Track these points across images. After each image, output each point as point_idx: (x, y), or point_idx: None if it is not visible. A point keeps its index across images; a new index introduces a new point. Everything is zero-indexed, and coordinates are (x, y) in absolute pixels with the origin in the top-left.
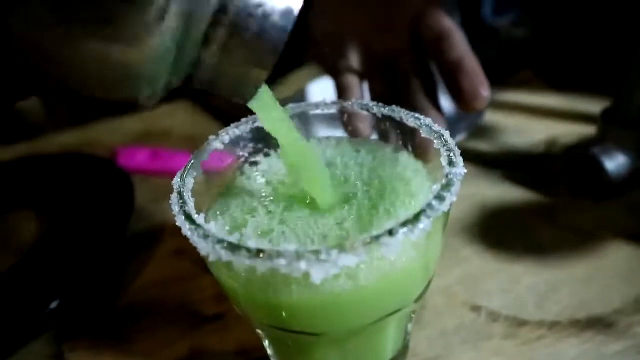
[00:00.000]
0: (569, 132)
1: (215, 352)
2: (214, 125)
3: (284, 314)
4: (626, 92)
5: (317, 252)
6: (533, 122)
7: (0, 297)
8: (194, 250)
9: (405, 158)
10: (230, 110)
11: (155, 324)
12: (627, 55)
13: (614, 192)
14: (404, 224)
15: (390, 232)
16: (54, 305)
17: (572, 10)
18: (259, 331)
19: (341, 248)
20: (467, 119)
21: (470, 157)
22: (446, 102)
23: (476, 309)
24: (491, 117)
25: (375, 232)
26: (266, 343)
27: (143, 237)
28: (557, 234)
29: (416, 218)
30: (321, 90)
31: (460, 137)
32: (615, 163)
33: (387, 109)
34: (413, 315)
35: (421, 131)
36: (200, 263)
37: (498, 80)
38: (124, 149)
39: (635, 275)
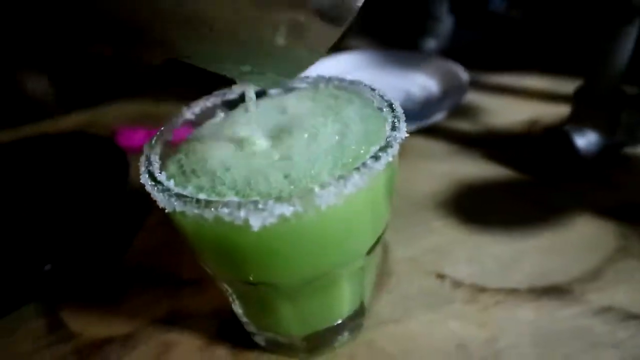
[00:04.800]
0: (550, 112)
1: (191, 313)
2: None
3: (235, 261)
4: (595, 72)
5: (255, 202)
6: (515, 103)
7: None
8: None
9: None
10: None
11: (140, 287)
12: (596, 36)
13: (585, 168)
14: (338, 178)
15: (322, 185)
16: (47, 267)
17: None
18: (226, 287)
19: (277, 198)
20: (449, 97)
21: (450, 135)
22: (428, 81)
23: (441, 276)
24: (473, 97)
25: (310, 184)
26: (235, 304)
27: (135, 209)
28: (528, 209)
29: (349, 173)
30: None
31: (441, 115)
32: (586, 140)
33: (348, 82)
34: (370, 276)
35: (374, 100)
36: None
37: (484, 62)
38: (123, 130)
39: (599, 247)
